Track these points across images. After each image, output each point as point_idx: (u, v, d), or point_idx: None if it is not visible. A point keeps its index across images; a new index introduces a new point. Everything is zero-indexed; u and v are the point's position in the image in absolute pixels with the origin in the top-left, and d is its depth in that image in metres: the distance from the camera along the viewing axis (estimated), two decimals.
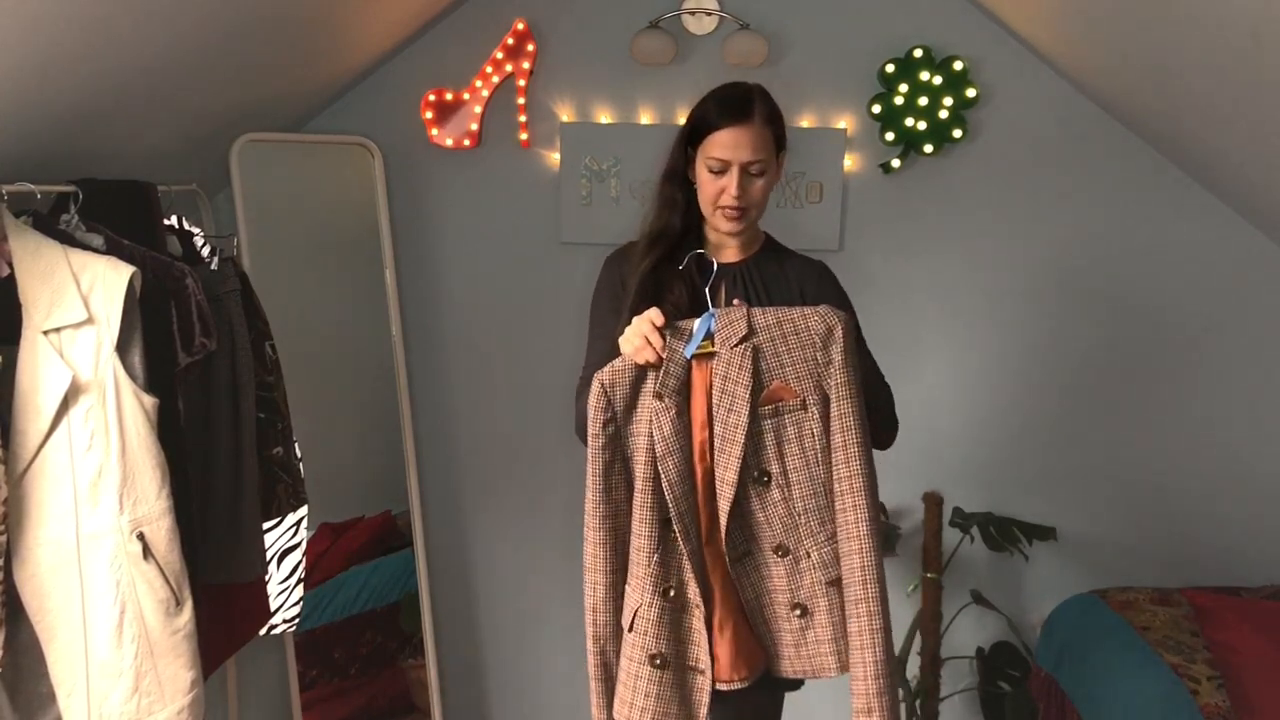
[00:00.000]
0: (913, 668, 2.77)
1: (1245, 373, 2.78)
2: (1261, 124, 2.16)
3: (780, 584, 1.63)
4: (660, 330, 1.58)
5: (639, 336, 1.58)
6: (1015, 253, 2.77)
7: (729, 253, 1.82)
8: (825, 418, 1.59)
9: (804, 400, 1.59)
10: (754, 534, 1.62)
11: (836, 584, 1.61)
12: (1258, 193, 2.55)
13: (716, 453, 1.59)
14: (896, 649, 2.72)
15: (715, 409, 1.59)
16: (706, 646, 1.61)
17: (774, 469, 1.60)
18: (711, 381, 1.60)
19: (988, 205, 2.74)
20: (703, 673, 1.62)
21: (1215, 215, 2.72)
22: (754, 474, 1.59)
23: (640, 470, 1.59)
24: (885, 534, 2.60)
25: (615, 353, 1.66)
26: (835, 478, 1.59)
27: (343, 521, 2.73)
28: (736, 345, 1.57)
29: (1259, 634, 2.29)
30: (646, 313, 1.60)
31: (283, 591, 2.47)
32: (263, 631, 2.32)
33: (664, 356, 1.57)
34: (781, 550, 1.62)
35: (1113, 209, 2.73)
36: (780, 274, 1.80)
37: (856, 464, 1.58)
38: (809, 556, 1.61)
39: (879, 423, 1.74)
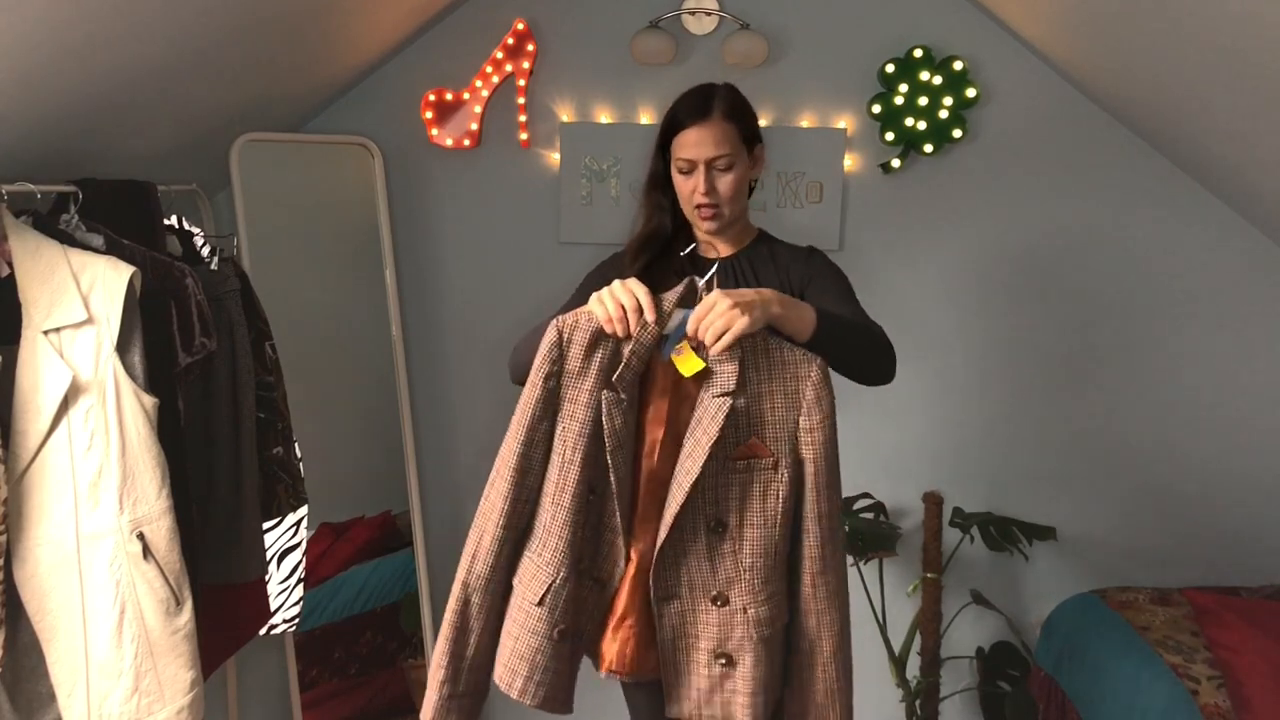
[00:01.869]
0: (913, 668, 2.77)
1: (1246, 373, 2.78)
2: (1261, 124, 2.17)
3: (708, 631, 1.58)
4: (640, 310, 1.50)
5: (617, 306, 1.50)
6: (1015, 252, 2.77)
7: (720, 248, 1.83)
8: (795, 480, 1.55)
9: (777, 461, 1.54)
10: (690, 578, 1.57)
11: (767, 641, 1.57)
12: (1257, 192, 2.55)
13: (669, 492, 1.54)
14: (896, 649, 2.73)
15: (683, 452, 1.53)
16: (597, 621, 1.62)
17: (731, 521, 1.55)
18: (671, 388, 1.56)
19: (988, 205, 2.75)
20: (580, 638, 1.62)
21: (1215, 215, 2.72)
22: (710, 522, 1.55)
23: (570, 444, 1.53)
24: (885, 534, 2.60)
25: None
26: (805, 547, 1.56)
27: (343, 521, 2.73)
28: (718, 396, 1.50)
29: (1259, 634, 2.29)
30: (633, 281, 1.53)
31: (283, 591, 2.47)
32: (263, 631, 2.32)
33: (632, 335, 1.50)
34: (720, 600, 1.57)
35: (1113, 209, 2.73)
36: (769, 262, 1.81)
37: (829, 534, 1.56)
38: (746, 611, 1.56)
39: (869, 358, 1.67)
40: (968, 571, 2.81)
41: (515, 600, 1.60)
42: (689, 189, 1.74)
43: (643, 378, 1.55)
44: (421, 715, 1.62)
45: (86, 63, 1.60)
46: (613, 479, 1.53)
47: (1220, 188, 2.67)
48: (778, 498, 1.55)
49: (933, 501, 2.77)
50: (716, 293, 1.48)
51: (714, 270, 1.60)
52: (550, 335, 1.52)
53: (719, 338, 1.45)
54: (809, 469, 1.54)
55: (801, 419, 1.53)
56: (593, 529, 1.59)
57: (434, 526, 2.82)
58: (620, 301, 1.50)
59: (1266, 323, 2.76)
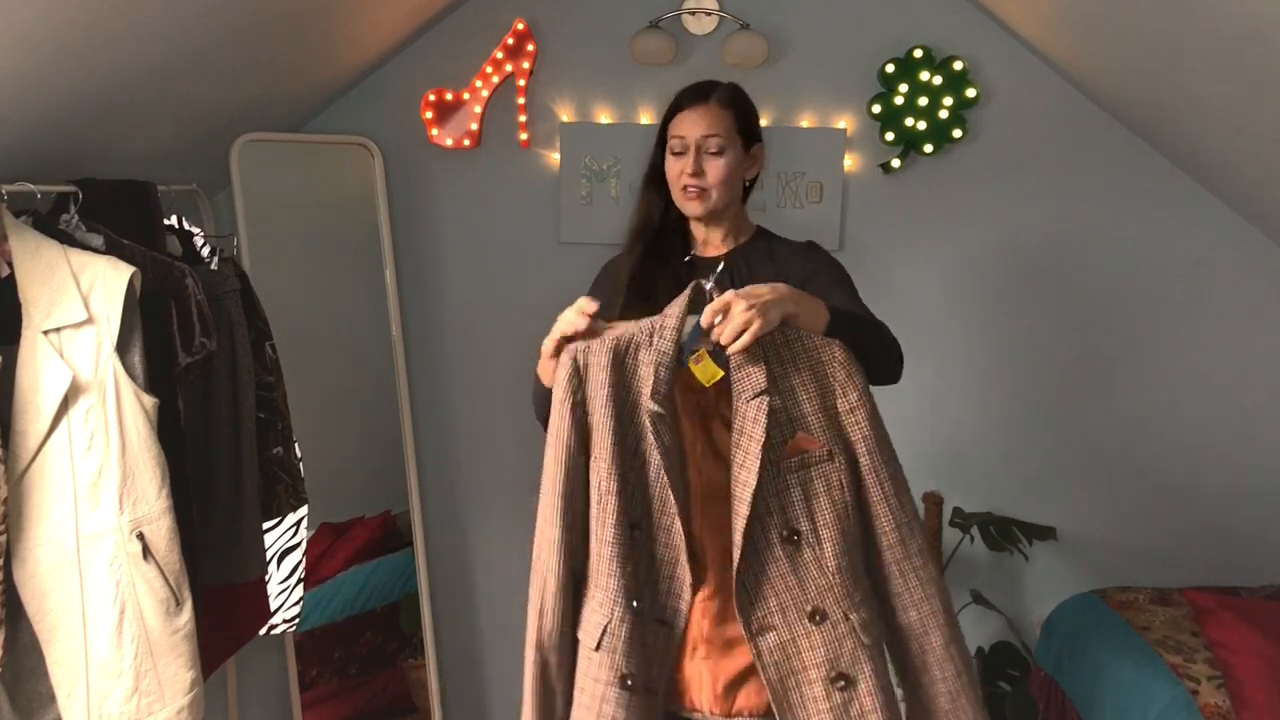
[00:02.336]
0: None
1: (1246, 372, 2.78)
2: (1261, 124, 2.17)
3: (815, 655, 1.45)
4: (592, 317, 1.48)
5: (570, 316, 1.49)
6: (1015, 252, 2.76)
7: (715, 246, 1.82)
8: (852, 467, 1.46)
9: (829, 450, 1.44)
10: (780, 601, 1.45)
11: (877, 646, 1.47)
12: (1258, 193, 2.55)
13: (732, 510, 1.44)
14: None
15: (732, 465, 1.45)
16: (669, 667, 1.50)
17: (804, 527, 1.44)
18: (695, 406, 1.51)
19: (988, 205, 2.74)
20: (655, 694, 1.49)
21: (1216, 215, 2.72)
22: (782, 533, 1.44)
23: (604, 474, 1.44)
24: None
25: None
26: (879, 537, 1.46)
27: (343, 521, 2.73)
28: (753, 399, 1.42)
29: (1259, 634, 2.29)
30: (578, 302, 1.50)
31: (283, 591, 2.47)
32: (263, 631, 2.32)
33: (593, 330, 1.47)
34: (818, 615, 1.44)
35: (1113, 209, 2.73)
36: (767, 260, 1.80)
37: (902, 515, 1.46)
38: (847, 620, 1.44)
39: (880, 359, 1.59)
40: (968, 571, 2.81)
41: (580, 651, 1.51)
42: (677, 170, 1.75)
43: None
44: None
45: (86, 63, 1.60)
46: (674, 501, 1.43)
47: (1220, 188, 2.67)
48: (843, 489, 1.45)
49: (933, 501, 2.77)
50: (730, 293, 1.42)
51: (720, 269, 1.57)
52: (566, 364, 1.46)
53: (736, 338, 1.39)
54: (860, 451, 1.45)
55: (839, 402, 1.45)
56: (646, 564, 1.48)
57: (434, 526, 2.82)
58: (569, 316, 1.49)
59: (1266, 323, 2.75)
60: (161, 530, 1.63)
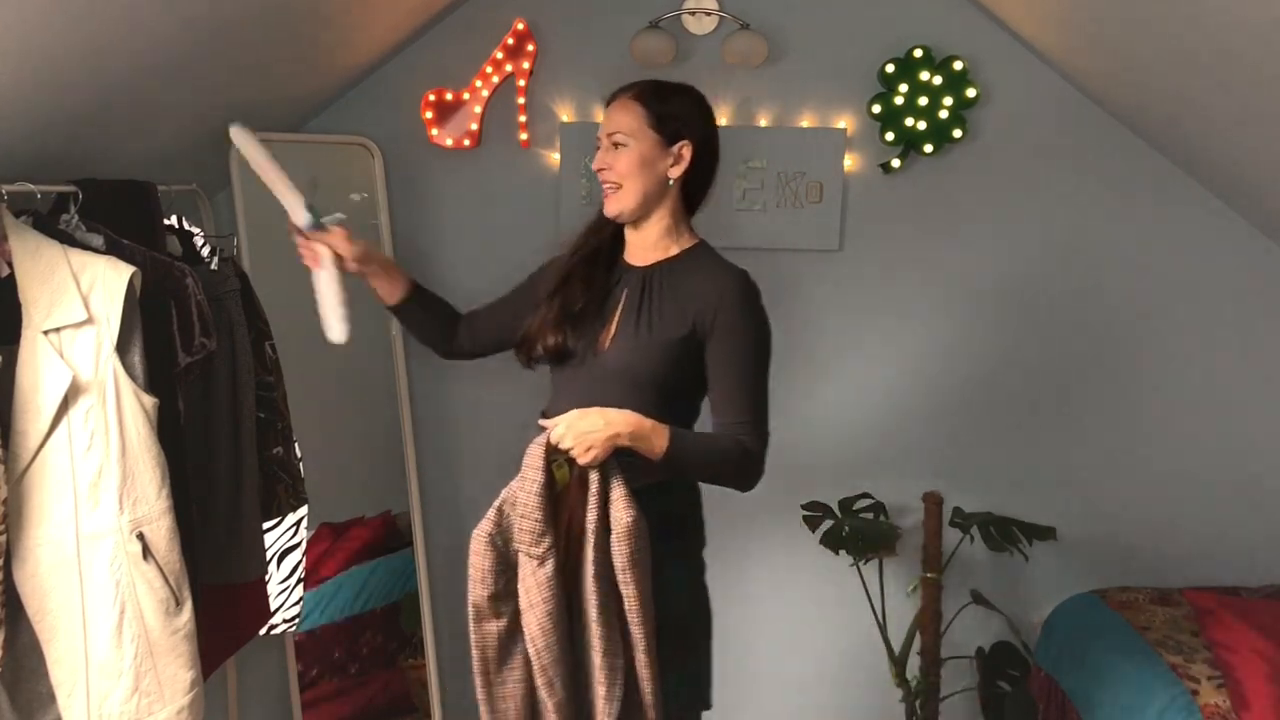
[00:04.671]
0: (913, 668, 2.76)
1: (1247, 372, 2.78)
2: (1261, 123, 2.16)
3: None
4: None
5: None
6: (1015, 252, 2.76)
7: (644, 254, 1.83)
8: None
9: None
10: None
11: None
12: (1258, 192, 2.55)
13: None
14: (896, 649, 2.73)
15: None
16: None
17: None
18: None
19: (988, 205, 2.74)
20: None
21: (1216, 215, 2.72)
22: None
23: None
24: (885, 534, 2.60)
25: (521, 295, 1.92)
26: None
27: (343, 521, 2.73)
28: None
29: (1259, 634, 2.29)
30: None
31: (283, 591, 2.47)
32: (263, 631, 2.32)
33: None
34: None
35: (1113, 209, 2.73)
36: (683, 282, 1.77)
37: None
38: None
39: (727, 480, 1.76)
40: (968, 571, 2.81)
41: None
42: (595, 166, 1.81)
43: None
44: None
45: (86, 63, 1.60)
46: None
47: (1220, 188, 2.67)
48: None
49: (933, 501, 2.77)
50: (562, 427, 1.60)
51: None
52: (485, 553, 1.65)
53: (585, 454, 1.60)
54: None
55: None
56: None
57: (434, 526, 2.82)
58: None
59: (1267, 322, 2.75)
60: (161, 530, 1.63)
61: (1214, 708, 2.14)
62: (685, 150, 1.78)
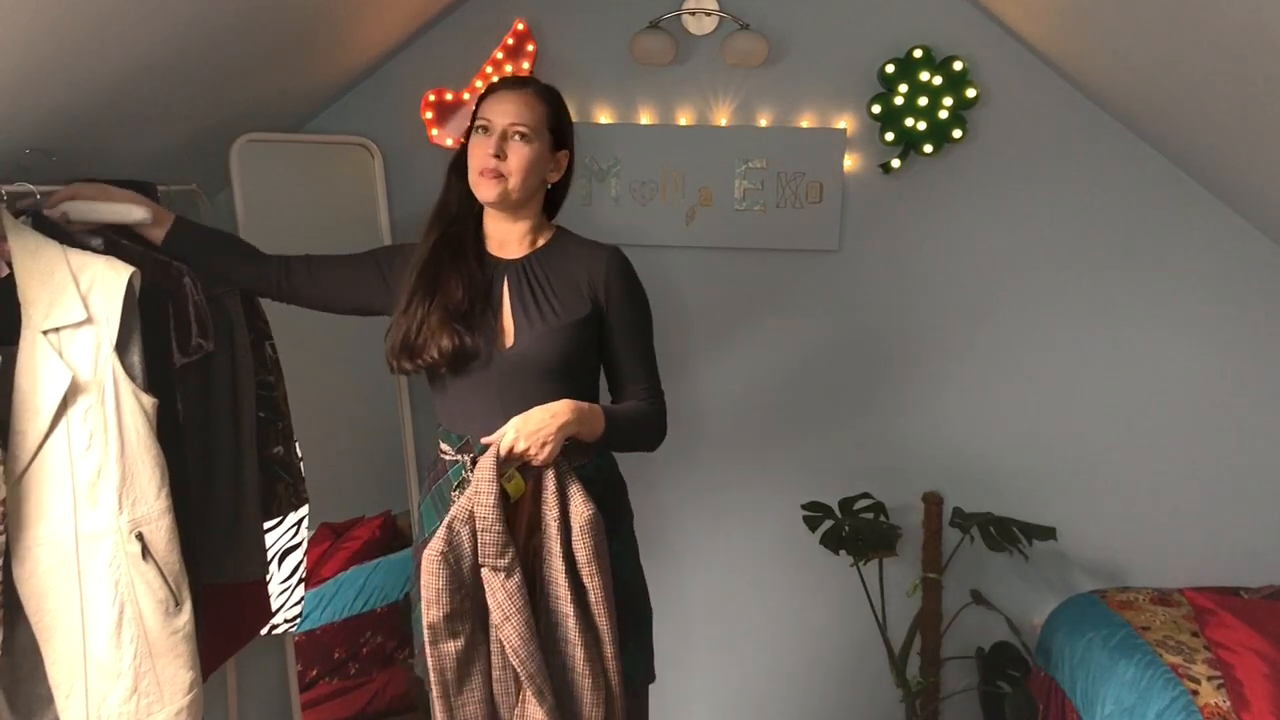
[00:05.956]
0: (913, 668, 2.77)
1: (1246, 372, 2.78)
2: (1262, 123, 2.16)
3: None
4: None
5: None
6: (1015, 252, 2.76)
7: (511, 247, 1.83)
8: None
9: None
10: None
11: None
12: (1258, 192, 2.55)
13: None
14: (896, 649, 2.73)
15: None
16: None
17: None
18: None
19: (988, 205, 2.74)
20: None
21: (1215, 215, 2.72)
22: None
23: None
24: (885, 534, 2.60)
25: (362, 267, 1.87)
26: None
27: (343, 521, 2.72)
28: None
29: (1259, 634, 2.29)
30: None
31: (283, 591, 2.47)
32: (263, 631, 2.32)
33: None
34: None
35: (1113, 209, 2.73)
36: (564, 265, 1.80)
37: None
38: None
39: (645, 444, 1.86)
40: (968, 571, 2.81)
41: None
42: (480, 151, 1.75)
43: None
44: None
45: (86, 63, 1.60)
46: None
47: (1220, 188, 2.67)
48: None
49: (933, 501, 2.77)
50: (513, 431, 1.61)
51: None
52: (437, 572, 1.60)
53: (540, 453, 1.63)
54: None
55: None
56: None
57: None
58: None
59: (1267, 322, 2.75)
60: (161, 530, 1.63)
61: (1214, 708, 2.14)
62: (564, 160, 1.84)
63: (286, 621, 2.49)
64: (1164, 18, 2.02)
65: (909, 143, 2.66)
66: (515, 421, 1.63)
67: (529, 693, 1.60)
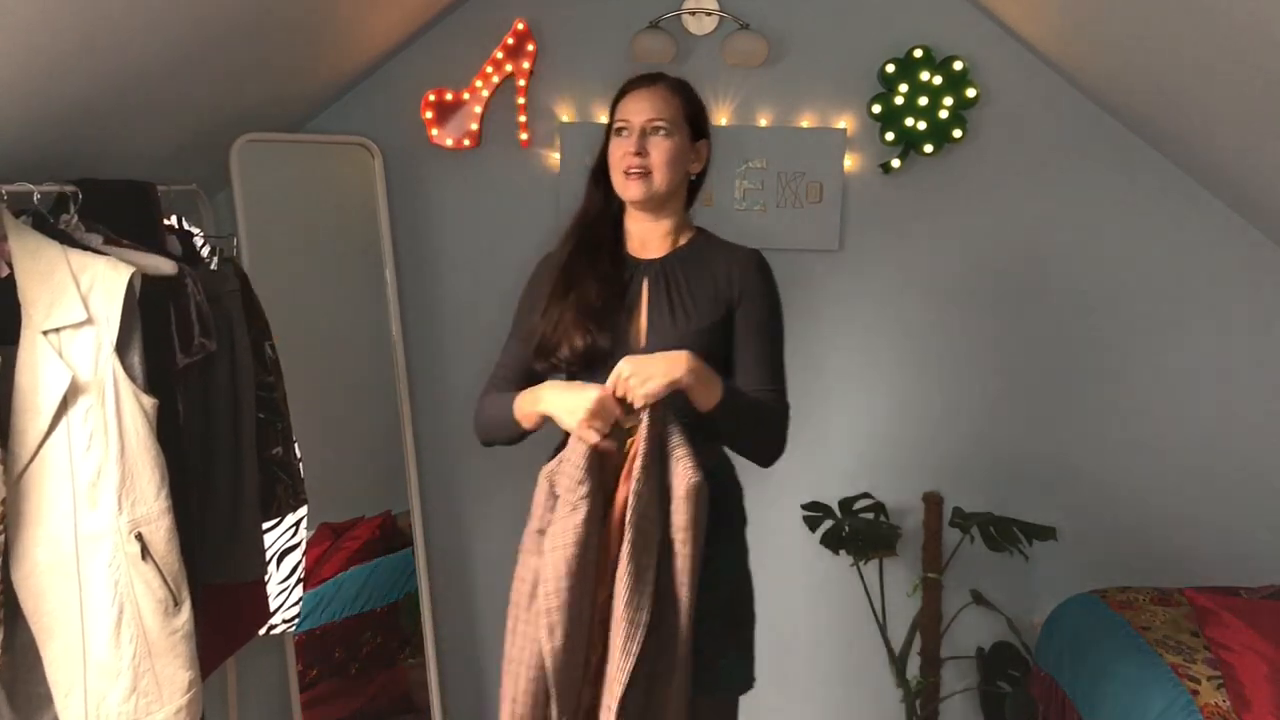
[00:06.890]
0: (913, 668, 2.76)
1: (1247, 372, 2.77)
2: (1262, 123, 2.16)
3: None
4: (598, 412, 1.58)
5: (590, 423, 1.58)
6: (1015, 252, 2.76)
7: (652, 247, 1.80)
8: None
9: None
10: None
11: None
12: (1258, 192, 2.55)
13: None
14: (896, 649, 2.73)
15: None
16: None
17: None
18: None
19: (988, 205, 2.74)
20: None
21: (1215, 215, 2.72)
22: None
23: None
24: (885, 534, 2.60)
25: (525, 353, 1.79)
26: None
27: (343, 521, 2.72)
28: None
29: (1259, 634, 2.28)
30: (585, 395, 1.59)
31: (283, 591, 2.47)
32: (263, 631, 2.32)
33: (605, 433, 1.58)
34: None
35: (1113, 209, 2.73)
36: (703, 267, 1.77)
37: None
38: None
39: (763, 442, 1.76)
40: (968, 571, 2.81)
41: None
42: (620, 152, 1.73)
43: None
44: None
45: (86, 63, 1.60)
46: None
47: (1220, 187, 2.67)
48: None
49: (933, 501, 2.77)
50: (623, 364, 1.57)
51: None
52: (543, 486, 1.62)
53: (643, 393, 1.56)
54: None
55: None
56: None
57: (434, 526, 2.82)
58: (590, 421, 1.57)
59: (1267, 322, 2.75)
60: (160, 531, 1.63)
61: (1214, 708, 2.14)
62: (705, 149, 1.80)
63: (285, 622, 2.49)
64: (1164, 18, 2.02)
65: (909, 143, 2.66)
66: (630, 358, 1.60)
67: (540, 625, 1.57)
